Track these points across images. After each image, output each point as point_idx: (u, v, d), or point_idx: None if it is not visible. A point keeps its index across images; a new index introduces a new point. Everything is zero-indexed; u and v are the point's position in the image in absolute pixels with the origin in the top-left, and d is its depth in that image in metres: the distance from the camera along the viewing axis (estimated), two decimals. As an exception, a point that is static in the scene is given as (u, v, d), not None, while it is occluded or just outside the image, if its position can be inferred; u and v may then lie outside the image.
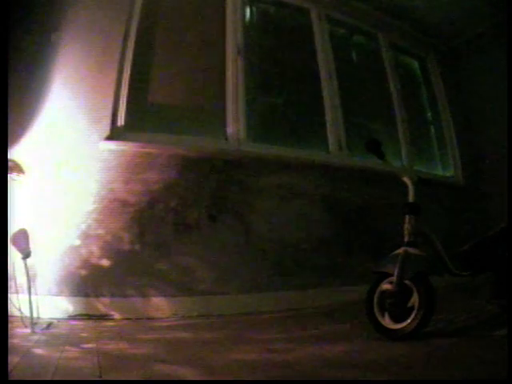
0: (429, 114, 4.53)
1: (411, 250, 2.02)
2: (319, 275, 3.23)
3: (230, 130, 3.17)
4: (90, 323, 2.57)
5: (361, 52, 4.28)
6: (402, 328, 1.92)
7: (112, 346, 2.00)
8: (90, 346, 1.99)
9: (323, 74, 3.68)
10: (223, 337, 2.27)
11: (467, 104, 4.47)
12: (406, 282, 1.96)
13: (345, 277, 3.29)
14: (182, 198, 2.92)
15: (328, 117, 3.59)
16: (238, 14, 3.45)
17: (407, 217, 2.11)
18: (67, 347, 1.92)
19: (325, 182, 3.38)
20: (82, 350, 1.91)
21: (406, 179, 2.21)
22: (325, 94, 3.63)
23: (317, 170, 3.37)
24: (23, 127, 2.81)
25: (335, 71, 3.75)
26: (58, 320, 2.56)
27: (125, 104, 2.96)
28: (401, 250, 2.03)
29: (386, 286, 2.04)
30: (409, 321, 1.90)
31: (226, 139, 3.16)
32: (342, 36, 4.17)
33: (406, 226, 2.10)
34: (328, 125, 3.57)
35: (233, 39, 3.38)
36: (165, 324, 2.62)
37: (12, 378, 1.39)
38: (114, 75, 2.96)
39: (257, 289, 3.00)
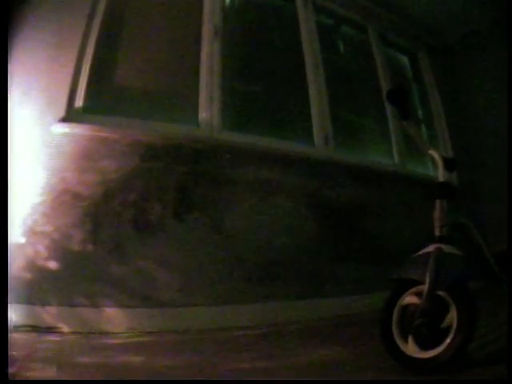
0: (420, 112, 4.28)
1: (446, 248, 1.55)
2: (304, 284, 2.89)
3: (202, 115, 2.81)
4: (31, 337, 2.15)
5: (350, 44, 4.02)
6: (434, 357, 1.45)
7: (35, 373, 1.56)
8: (5, 372, 1.54)
9: (309, 63, 3.37)
10: (184, 364, 1.82)
11: (462, 103, 4.26)
12: (440, 292, 1.49)
13: (334, 286, 2.96)
14: (144, 192, 2.54)
15: (313, 108, 3.28)
16: (216, -6, 3.11)
17: (438, 202, 1.63)
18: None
19: (310, 178, 3.06)
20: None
21: (433, 153, 1.76)
22: (310, 83, 3.33)
23: (301, 165, 3.05)
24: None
25: (322, 61, 3.44)
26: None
27: (85, 84, 2.62)
28: (432, 248, 1.56)
29: (410, 298, 1.57)
30: (444, 347, 1.44)
31: (198, 126, 2.79)
32: (329, 26, 3.88)
33: (438, 214, 1.62)
34: (313, 116, 3.26)
35: (210, 19, 3.05)
36: (117, 342, 2.19)
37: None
38: (75, 52, 2.62)
39: (231, 300, 2.63)
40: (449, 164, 1.75)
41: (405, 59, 4.48)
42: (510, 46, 3.49)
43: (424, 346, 1.49)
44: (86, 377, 1.60)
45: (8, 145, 2.09)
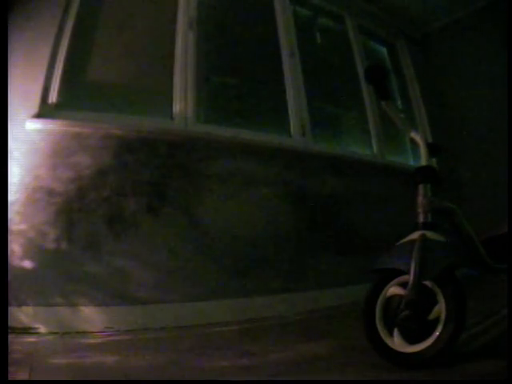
0: (399, 103, 4.26)
1: (431, 235, 1.45)
2: (283, 278, 2.84)
3: (176, 108, 2.75)
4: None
5: (327, 34, 3.99)
6: (421, 351, 1.36)
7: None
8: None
9: (285, 53, 3.34)
10: (162, 362, 1.76)
11: (441, 93, 4.26)
12: (427, 282, 1.40)
13: (313, 279, 2.92)
14: (118, 187, 2.47)
15: (290, 98, 3.24)
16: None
17: (421, 186, 1.55)
18: None
19: (287, 169, 3.01)
20: None
21: (415, 136, 1.68)
22: (286, 73, 3.28)
23: (278, 156, 3.00)
24: None
25: (298, 51, 3.41)
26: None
27: (59, 80, 2.56)
28: (416, 236, 1.46)
29: (394, 289, 1.47)
30: (432, 340, 1.35)
31: (172, 118, 2.74)
32: (306, 16, 3.86)
33: (421, 199, 1.53)
34: (290, 107, 3.22)
35: (185, 11, 3.00)
36: (93, 342, 2.13)
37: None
38: (49, 48, 2.56)
39: (209, 295, 2.57)
40: (432, 149, 1.69)
41: (383, 50, 4.46)
42: (510, 44, 3.47)
43: (411, 339, 1.41)
44: (61, 378, 1.55)
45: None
